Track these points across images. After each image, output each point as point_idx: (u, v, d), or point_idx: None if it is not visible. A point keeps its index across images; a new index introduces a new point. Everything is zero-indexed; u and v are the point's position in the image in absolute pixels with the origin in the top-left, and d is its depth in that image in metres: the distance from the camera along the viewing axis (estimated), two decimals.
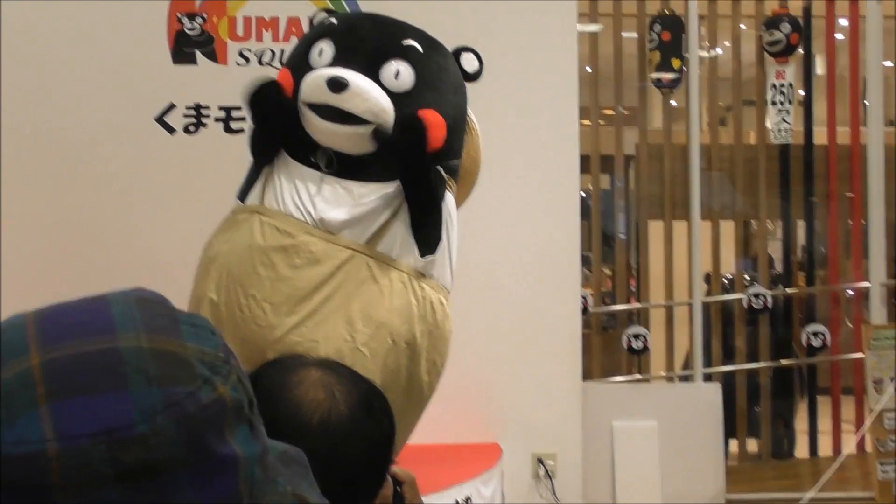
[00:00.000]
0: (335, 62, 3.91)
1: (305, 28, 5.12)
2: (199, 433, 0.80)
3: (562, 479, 5.73)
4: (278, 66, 5.17)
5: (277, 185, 3.89)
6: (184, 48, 5.39)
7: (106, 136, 5.39)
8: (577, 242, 5.85)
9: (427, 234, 4.03)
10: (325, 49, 3.95)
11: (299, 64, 3.96)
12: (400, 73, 3.97)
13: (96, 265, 5.16)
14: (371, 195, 3.94)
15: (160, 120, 5.32)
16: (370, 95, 3.88)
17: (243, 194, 3.97)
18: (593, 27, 7.62)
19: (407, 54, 4.04)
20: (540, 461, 5.74)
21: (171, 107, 5.39)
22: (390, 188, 3.93)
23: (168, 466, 0.78)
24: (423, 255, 4.02)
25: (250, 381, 1.52)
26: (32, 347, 0.80)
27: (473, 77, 4.22)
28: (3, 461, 0.76)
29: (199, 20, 5.41)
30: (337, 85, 3.81)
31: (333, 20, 4.12)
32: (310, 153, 3.90)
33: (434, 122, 3.95)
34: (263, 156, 3.96)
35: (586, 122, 7.39)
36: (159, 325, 0.84)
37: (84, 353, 0.80)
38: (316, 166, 3.90)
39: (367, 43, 4.02)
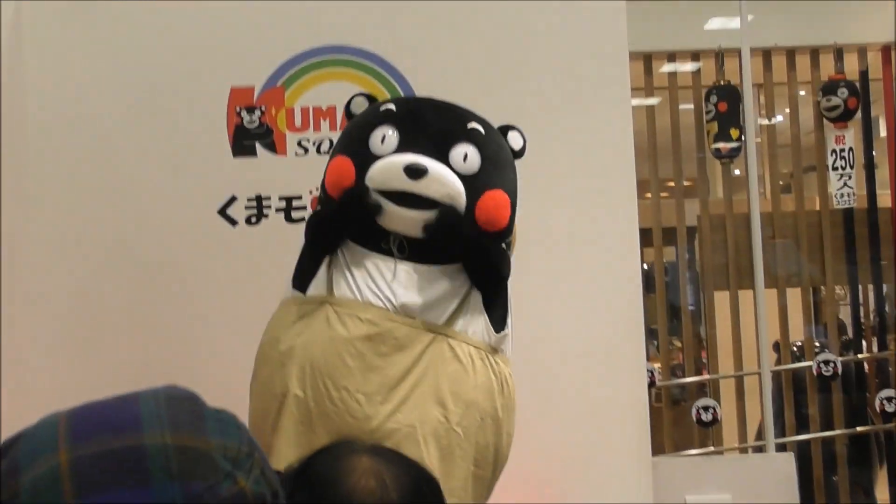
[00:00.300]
0: (401, 148, 3.95)
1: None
2: None
3: None
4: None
5: (348, 274, 3.89)
6: (243, 141, 5.48)
7: (170, 230, 5.48)
8: (640, 315, 5.81)
9: (497, 311, 4.07)
10: (388, 135, 3.97)
11: (359, 151, 4.00)
12: (468, 155, 4.01)
13: (157, 356, 5.24)
14: (444, 277, 3.99)
15: (222, 212, 5.40)
16: (447, 180, 3.92)
17: (303, 284, 3.98)
18: (650, 101, 7.65)
19: (472, 137, 4.09)
20: None
21: (233, 199, 5.48)
22: (459, 268, 3.99)
23: None
24: (497, 331, 4.06)
25: (302, 469, 1.54)
26: (62, 444, 0.84)
27: (519, 154, 4.27)
28: None
29: (257, 113, 5.50)
30: (415, 172, 3.84)
31: (391, 106, 4.15)
32: (379, 240, 3.94)
33: (502, 203, 4.01)
34: (328, 245, 3.99)
35: (647, 195, 7.41)
36: (184, 422, 0.87)
37: (110, 450, 0.83)
38: (387, 252, 3.94)
39: (433, 127, 4.06)
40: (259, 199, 5.45)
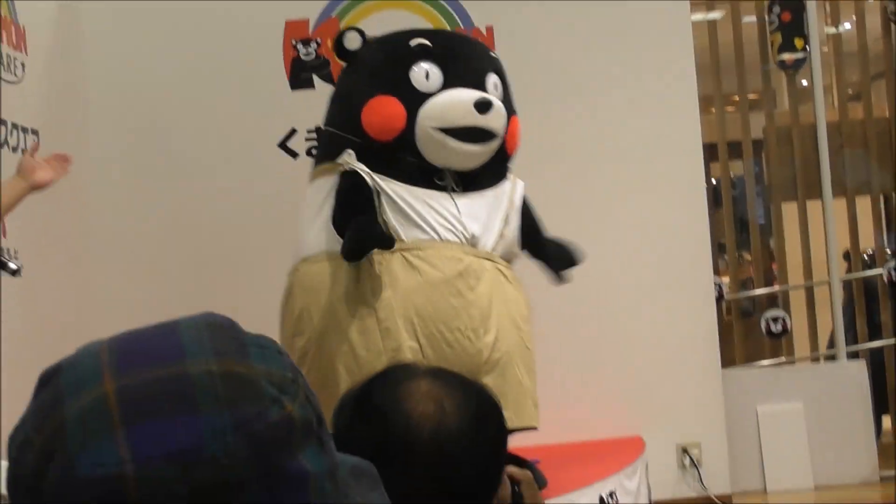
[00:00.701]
0: (448, 84, 4.00)
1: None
2: (268, 451, 0.83)
3: (708, 467, 5.70)
4: None
5: (413, 215, 3.93)
6: (301, 74, 5.53)
7: (233, 164, 5.56)
8: (706, 230, 5.82)
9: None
10: (431, 71, 4.01)
11: (403, 90, 4.00)
12: (497, 84, 4.10)
13: (221, 289, 5.36)
14: (488, 201, 4.07)
15: (283, 146, 5.46)
16: (503, 112, 4.01)
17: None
18: (712, 15, 7.55)
19: (496, 66, 4.17)
20: (685, 451, 5.72)
21: (293, 132, 5.54)
22: (497, 192, 4.05)
23: (240, 484, 0.82)
24: (522, 248, 4.27)
25: (359, 395, 1.56)
26: (106, 374, 0.84)
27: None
28: (83, 483, 0.80)
29: (313, 45, 5.55)
30: (485, 106, 3.94)
31: (424, 42, 4.12)
32: (431, 176, 3.97)
33: (519, 129, 4.23)
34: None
35: (712, 110, 7.34)
36: (227, 349, 0.87)
37: (155, 378, 0.84)
38: (442, 188, 3.97)
39: (470, 60, 4.12)
40: (318, 130, 5.49)
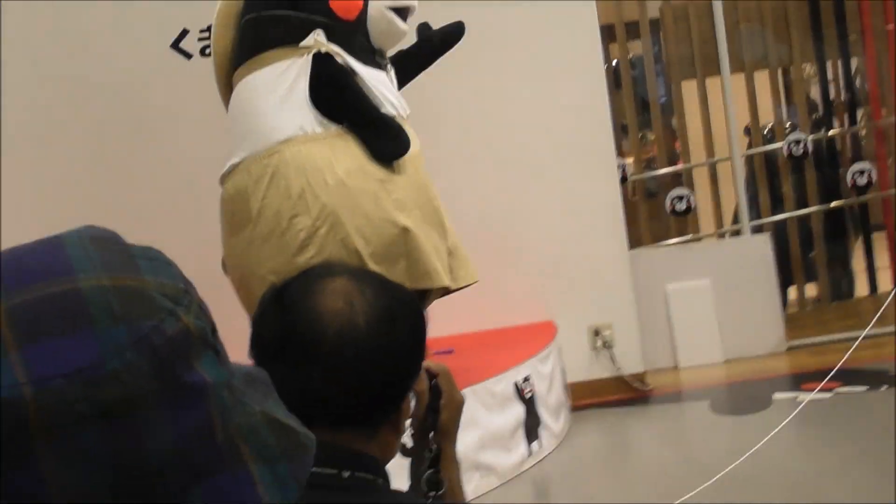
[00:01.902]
0: None
1: None
2: (168, 364, 0.81)
3: (620, 347, 5.77)
4: None
5: (377, 93, 4.10)
6: None
7: (128, 72, 5.44)
8: (606, 111, 5.82)
9: None
10: None
11: None
12: None
13: (125, 195, 5.29)
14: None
15: (176, 46, 5.34)
16: None
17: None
18: None
19: None
20: (596, 333, 5.78)
21: (185, 32, 5.41)
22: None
23: (143, 399, 0.80)
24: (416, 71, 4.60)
25: (277, 290, 1.54)
26: None
27: None
28: None
29: None
30: None
31: None
32: (372, 55, 4.17)
33: None
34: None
35: None
36: (117, 262, 0.85)
37: (46, 296, 0.81)
38: (381, 66, 4.20)
39: None
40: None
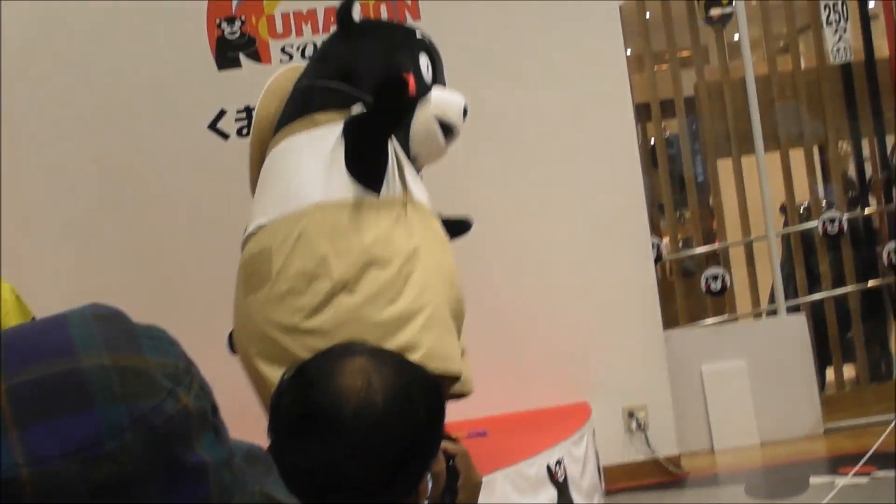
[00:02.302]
0: (435, 81, 4.24)
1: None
2: (167, 444, 0.82)
3: (655, 429, 5.72)
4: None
5: (413, 182, 4.09)
6: (227, 53, 5.45)
7: (162, 150, 5.48)
8: (640, 189, 5.82)
9: None
10: (428, 66, 4.25)
11: (416, 73, 4.17)
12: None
13: (153, 274, 5.32)
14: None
15: (213, 127, 5.38)
16: None
17: (378, 183, 4.01)
18: None
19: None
20: (631, 414, 5.74)
21: (222, 113, 5.46)
22: None
23: (140, 480, 0.80)
24: None
25: (297, 370, 1.56)
26: None
27: None
28: None
29: (238, 23, 5.46)
30: (466, 113, 4.22)
31: (420, 36, 4.35)
32: (405, 154, 4.15)
33: None
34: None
35: (642, 72, 7.33)
36: (119, 342, 0.85)
37: (47, 375, 0.82)
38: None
39: (440, 64, 4.34)
40: (248, 110, 5.43)
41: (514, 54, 5.64)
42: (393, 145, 4.01)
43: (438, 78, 4.25)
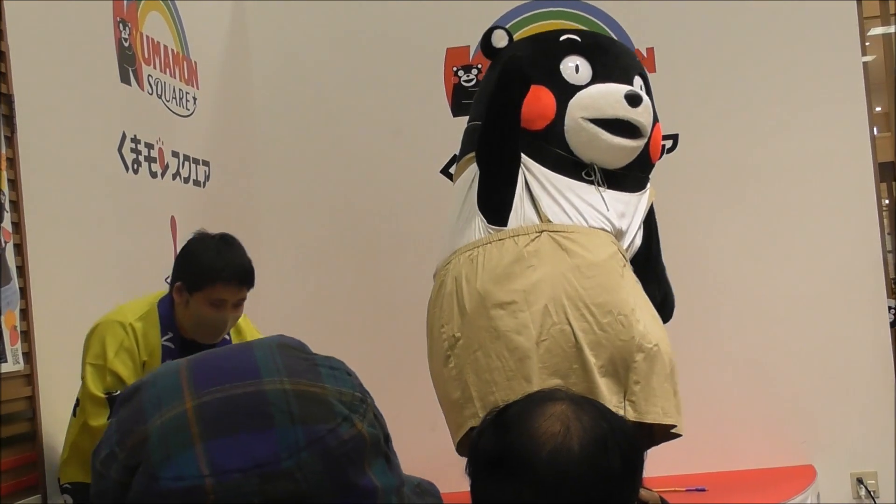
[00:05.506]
0: (597, 78, 4.03)
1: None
2: (340, 466, 0.87)
3: (886, 499, 5.49)
4: None
5: (563, 202, 3.94)
6: (462, 100, 5.57)
7: (396, 193, 5.64)
8: (878, 251, 5.63)
9: None
10: (580, 65, 4.05)
11: (555, 80, 4.04)
12: (643, 87, 4.11)
13: (390, 315, 5.47)
14: (633, 206, 4.08)
15: (445, 171, 5.51)
16: (650, 109, 4.02)
17: (504, 217, 3.94)
18: (888, 29, 7.34)
19: (642, 69, 4.19)
20: (860, 481, 5.53)
21: (454, 158, 5.57)
22: (640, 198, 4.05)
23: (313, 497, 0.85)
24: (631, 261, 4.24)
25: (501, 410, 1.59)
26: (186, 393, 0.89)
27: None
28: (165, 495, 0.85)
29: (474, 72, 5.58)
30: (635, 99, 3.98)
31: (574, 37, 4.16)
32: (580, 169, 3.99)
33: (660, 136, 4.30)
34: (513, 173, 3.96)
35: (890, 130, 7.13)
36: (300, 369, 0.92)
37: (232, 396, 0.88)
38: (589, 181, 3.97)
39: (619, 58, 4.14)
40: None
41: (751, 109, 5.57)
42: (524, 171, 3.91)
43: (602, 73, 4.05)
